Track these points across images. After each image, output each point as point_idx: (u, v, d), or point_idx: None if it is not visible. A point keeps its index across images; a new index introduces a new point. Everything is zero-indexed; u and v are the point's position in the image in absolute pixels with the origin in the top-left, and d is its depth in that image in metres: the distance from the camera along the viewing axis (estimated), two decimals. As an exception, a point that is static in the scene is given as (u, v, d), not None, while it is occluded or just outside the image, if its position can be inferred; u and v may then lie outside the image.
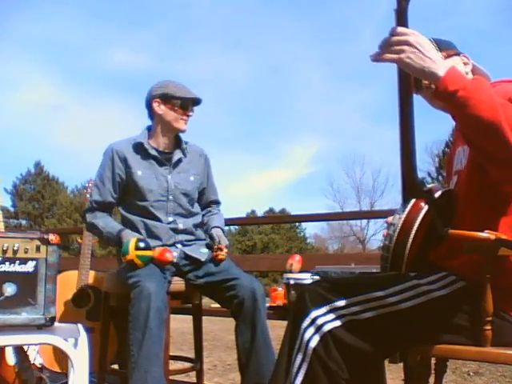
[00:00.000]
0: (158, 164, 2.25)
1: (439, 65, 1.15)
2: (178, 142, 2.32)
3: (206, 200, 2.43)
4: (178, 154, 2.29)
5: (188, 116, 2.27)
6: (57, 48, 41.44)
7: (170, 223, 2.22)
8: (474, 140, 1.18)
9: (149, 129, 2.32)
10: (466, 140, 1.24)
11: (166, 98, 2.23)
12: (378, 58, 1.17)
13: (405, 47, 1.14)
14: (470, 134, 1.18)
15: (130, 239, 2.05)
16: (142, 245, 2.04)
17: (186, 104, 2.25)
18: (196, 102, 2.30)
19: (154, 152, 2.24)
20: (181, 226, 2.23)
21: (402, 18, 1.18)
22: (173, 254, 2.11)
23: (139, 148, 2.24)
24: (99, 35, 41.18)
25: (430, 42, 1.18)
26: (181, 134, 2.33)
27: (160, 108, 2.25)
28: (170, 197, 2.23)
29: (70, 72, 42.86)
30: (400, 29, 1.17)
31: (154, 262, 2.05)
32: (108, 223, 2.21)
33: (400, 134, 1.26)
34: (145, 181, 2.20)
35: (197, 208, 2.36)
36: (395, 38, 1.15)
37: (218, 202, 2.49)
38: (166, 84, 2.26)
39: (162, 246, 2.16)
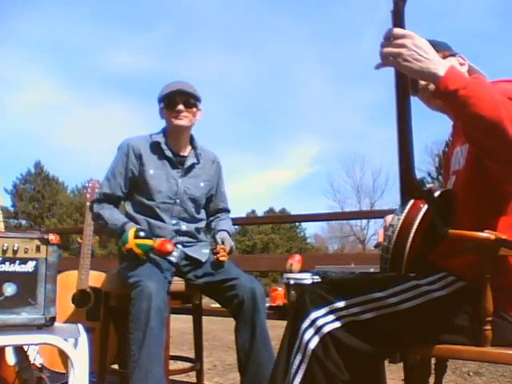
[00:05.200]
0: (171, 166, 2.25)
1: (438, 64, 1.14)
2: (192, 146, 2.32)
3: (214, 207, 2.43)
4: (191, 159, 2.29)
5: (178, 112, 2.18)
6: (59, 49, 41.55)
7: (173, 225, 2.22)
8: (475, 138, 1.17)
9: (164, 130, 2.32)
10: (467, 139, 1.23)
11: (159, 102, 2.26)
12: (378, 65, 1.19)
13: (401, 50, 1.14)
14: (471, 133, 1.17)
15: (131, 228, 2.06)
16: (141, 234, 2.04)
17: (171, 100, 2.20)
18: (184, 94, 2.19)
19: (169, 153, 2.24)
20: (184, 228, 2.24)
21: (398, 20, 1.18)
22: (173, 245, 2.11)
23: (155, 147, 2.25)
24: (102, 36, 41.39)
25: (427, 43, 1.17)
26: (196, 138, 2.32)
27: (161, 112, 2.28)
28: (178, 200, 2.23)
29: (72, 73, 43.11)
30: (396, 30, 1.16)
31: (154, 253, 2.06)
32: (114, 215, 2.21)
33: (398, 135, 1.26)
34: (155, 181, 2.20)
35: (202, 214, 2.36)
36: (391, 41, 1.15)
37: (226, 210, 2.48)
38: (162, 88, 2.25)
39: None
